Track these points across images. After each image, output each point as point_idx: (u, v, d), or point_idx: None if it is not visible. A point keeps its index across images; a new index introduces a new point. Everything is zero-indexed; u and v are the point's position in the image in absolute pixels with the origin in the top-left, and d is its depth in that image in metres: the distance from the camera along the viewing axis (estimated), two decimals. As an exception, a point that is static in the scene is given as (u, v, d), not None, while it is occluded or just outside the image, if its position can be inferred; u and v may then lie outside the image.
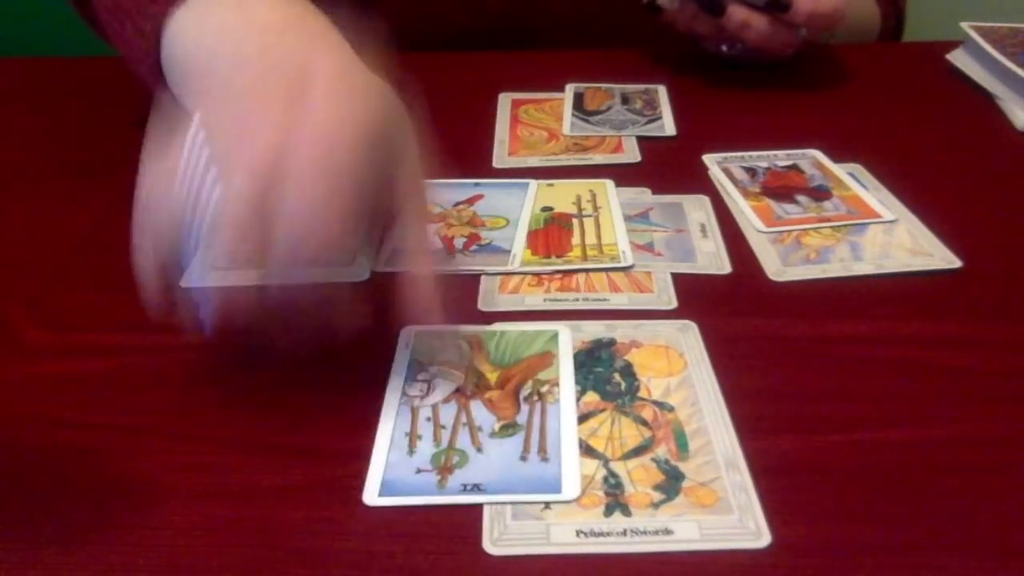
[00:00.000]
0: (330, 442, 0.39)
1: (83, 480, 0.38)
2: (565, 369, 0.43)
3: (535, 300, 0.48)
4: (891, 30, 0.89)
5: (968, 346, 0.45)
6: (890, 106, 0.73)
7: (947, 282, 0.50)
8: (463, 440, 0.39)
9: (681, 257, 0.52)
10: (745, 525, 0.35)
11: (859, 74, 0.78)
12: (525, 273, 0.50)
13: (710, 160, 0.63)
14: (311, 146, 0.38)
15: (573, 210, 0.56)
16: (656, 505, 0.36)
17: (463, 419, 0.40)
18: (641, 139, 0.66)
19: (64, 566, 0.34)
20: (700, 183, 0.60)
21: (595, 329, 0.46)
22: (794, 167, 0.62)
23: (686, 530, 0.35)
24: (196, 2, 0.48)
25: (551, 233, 0.54)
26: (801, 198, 0.58)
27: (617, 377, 0.42)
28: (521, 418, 0.40)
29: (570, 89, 0.74)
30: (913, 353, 0.45)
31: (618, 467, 0.38)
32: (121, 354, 0.45)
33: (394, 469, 0.38)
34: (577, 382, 0.42)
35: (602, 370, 0.43)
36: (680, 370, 0.43)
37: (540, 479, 0.37)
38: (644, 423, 0.40)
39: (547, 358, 0.43)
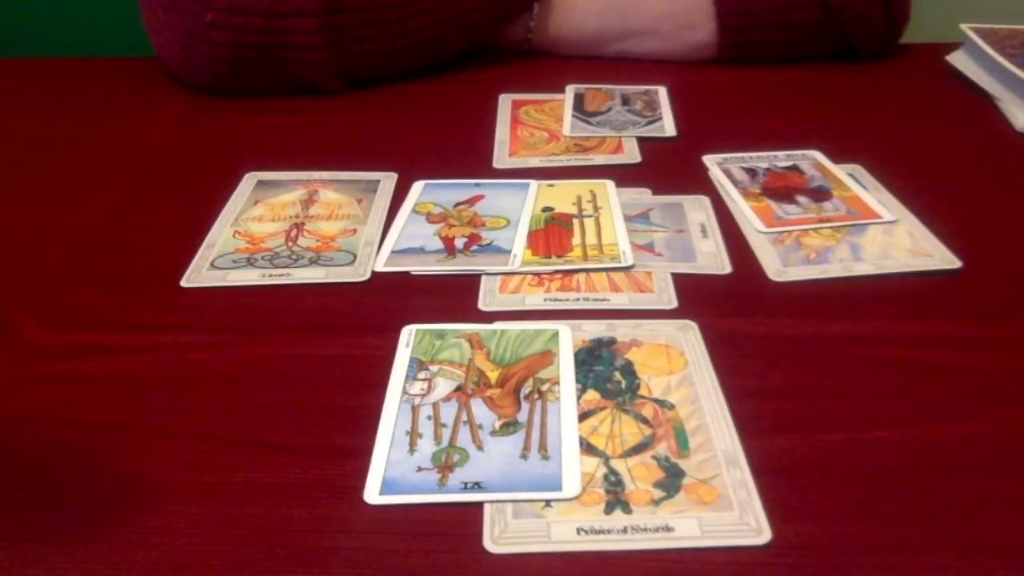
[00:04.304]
0: (331, 441, 0.39)
1: (83, 480, 0.38)
2: (565, 367, 0.43)
3: (535, 300, 0.48)
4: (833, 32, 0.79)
5: (968, 346, 0.45)
6: (890, 107, 0.73)
7: (947, 282, 0.50)
8: (464, 438, 0.39)
9: (681, 257, 0.52)
10: (746, 522, 0.35)
11: (859, 75, 0.78)
12: (525, 273, 0.51)
13: (710, 161, 0.63)
14: None
15: (573, 210, 0.56)
16: (657, 502, 0.36)
17: (464, 417, 0.40)
18: (641, 140, 0.66)
19: (64, 566, 0.34)
20: (700, 183, 0.60)
21: (595, 328, 0.46)
22: (794, 168, 0.62)
23: (687, 527, 0.35)
24: None
25: (551, 233, 0.54)
26: (801, 199, 0.58)
27: (617, 375, 0.42)
28: (522, 416, 0.40)
29: (570, 90, 0.74)
30: (913, 353, 0.45)
31: (618, 465, 0.38)
32: (121, 354, 0.45)
33: (395, 468, 0.37)
34: (577, 380, 0.42)
35: (602, 368, 0.43)
36: (680, 368, 0.43)
37: (541, 477, 0.37)
38: (644, 421, 0.40)
39: (547, 357, 0.43)
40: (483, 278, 0.50)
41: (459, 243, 0.53)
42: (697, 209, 0.57)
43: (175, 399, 0.42)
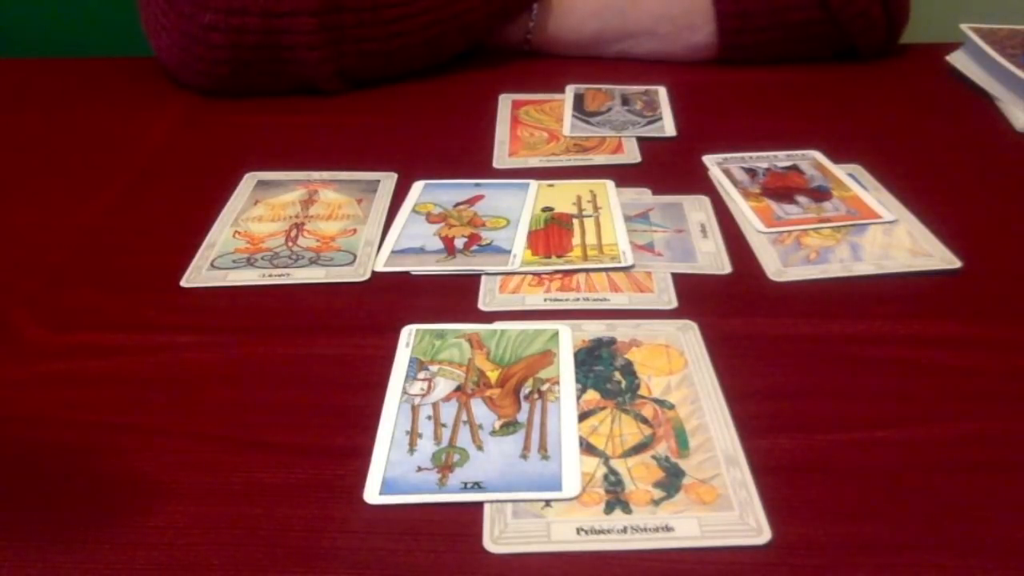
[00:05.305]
0: (331, 441, 0.39)
1: (83, 480, 0.38)
2: (565, 367, 0.43)
3: (535, 300, 0.48)
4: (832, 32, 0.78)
5: (968, 346, 0.45)
6: (890, 107, 0.73)
7: (947, 282, 0.50)
8: (464, 438, 0.39)
9: (681, 257, 0.52)
10: (746, 522, 0.35)
11: (859, 75, 0.78)
12: (525, 273, 0.51)
13: (710, 161, 0.63)
14: None
15: (573, 210, 0.56)
16: (656, 502, 0.36)
17: (464, 417, 0.40)
18: (641, 140, 0.66)
19: (64, 566, 0.34)
20: (700, 183, 0.60)
21: (595, 328, 0.46)
22: (794, 168, 0.62)
23: (686, 527, 0.35)
24: None
25: (551, 233, 0.54)
26: (801, 199, 0.58)
27: (617, 375, 0.42)
28: (521, 416, 0.40)
29: (570, 90, 0.74)
30: (913, 353, 0.45)
31: (618, 465, 0.38)
32: (121, 354, 0.45)
33: (395, 467, 0.38)
34: (577, 380, 0.42)
35: (602, 368, 0.43)
36: (680, 368, 0.43)
37: (540, 477, 0.37)
38: (644, 421, 0.40)
39: (547, 356, 0.43)
40: (483, 278, 0.50)
41: (459, 243, 0.53)
42: (697, 209, 0.57)
43: (175, 399, 0.42)
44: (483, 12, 0.77)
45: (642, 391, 0.42)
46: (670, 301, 0.48)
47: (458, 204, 0.58)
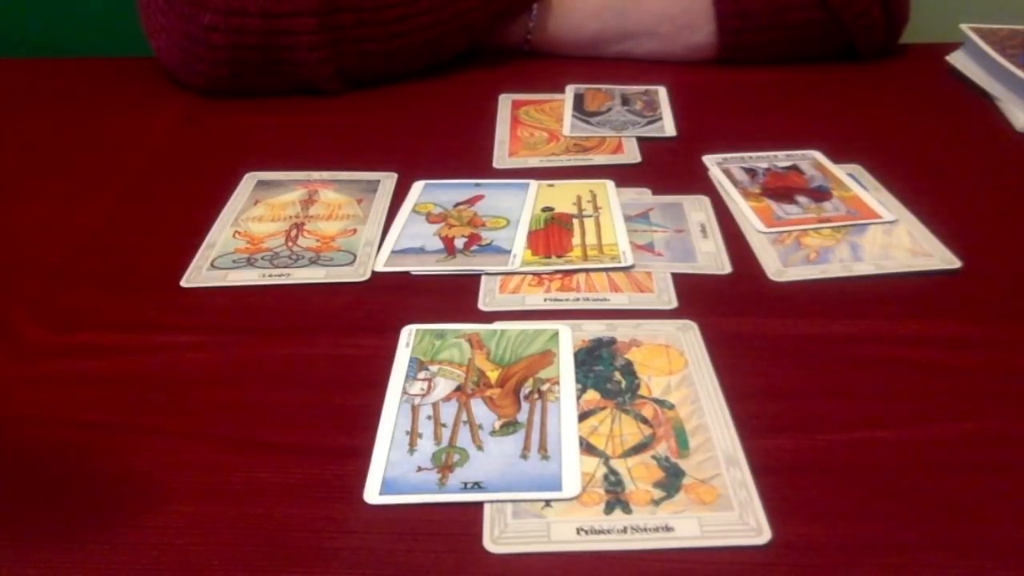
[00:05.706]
0: (331, 441, 0.39)
1: (83, 480, 0.38)
2: (565, 367, 0.43)
3: (535, 300, 0.48)
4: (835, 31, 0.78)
5: (968, 346, 0.45)
6: (890, 107, 0.73)
7: (947, 282, 0.50)
8: (464, 438, 0.39)
9: (681, 257, 0.52)
10: (746, 522, 0.35)
11: (859, 75, 0.78)
12: (526, 273, 0.51)
13: (710, 161, 0.63)
14: None
15: (573, 210, 0.56)
16: (657, 502, 0.36)
17: (464, 417, 0.40)
18: (641, 140, 0.66)
19: (64, 566, 0.34)
20: (700, 184, 0.60)
21: (595, 328, 0.46)
22: (794, 168, 0.62)
23: (687, 527, 0.35)
24: None
25: (551, 233, 0.54)
26: (801, 199, 0.58)
27: (617, 375, 0.42)
28: (521, 416, 0.40)
29: (570, 90, 0.74)
30: (913, 353, 0.45)
31: (618, 465, 0.38)
32: (121, 354, 0.45)
33: (395, 467, 0.37)
34: (577, 380, 0.42)
35: (602, 368, 0.43)
36: (680, 368, 0.43)
37: (540, 477, 0.37)
38: (644, 421, 0.40)
39: (547, 356, 0.43)
40: (483, 278, 0.50)
41: (459, 243, 0.53)
42: (697, 209, 0.57)
43: (175, 399, 0.42)
44: (484, 12, 0.77)
45: (642, 391, 0.42)
46: (670, 301, 0.48)
47: (458, 204, 0.58)
